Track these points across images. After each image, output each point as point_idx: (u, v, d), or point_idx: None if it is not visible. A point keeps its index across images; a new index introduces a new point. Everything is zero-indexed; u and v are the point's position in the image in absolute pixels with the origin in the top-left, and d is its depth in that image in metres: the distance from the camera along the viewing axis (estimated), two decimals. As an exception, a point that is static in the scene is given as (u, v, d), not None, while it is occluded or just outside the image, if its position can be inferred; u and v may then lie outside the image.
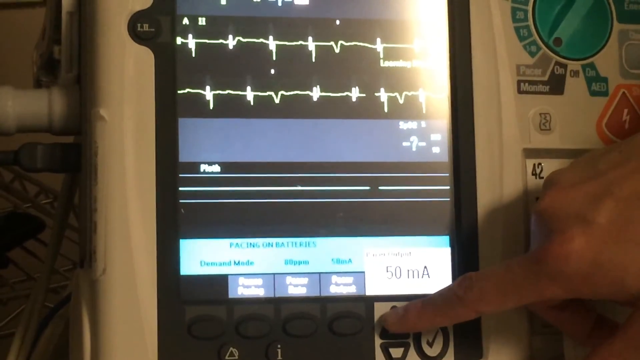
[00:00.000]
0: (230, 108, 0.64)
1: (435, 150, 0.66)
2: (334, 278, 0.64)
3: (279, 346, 0.62)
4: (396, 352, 0.64)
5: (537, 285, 0.58)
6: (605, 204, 0.57)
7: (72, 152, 0.65)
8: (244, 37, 0.64)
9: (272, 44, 0.65)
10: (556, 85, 0.68)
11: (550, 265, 0.57)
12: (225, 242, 0.63)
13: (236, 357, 0.62)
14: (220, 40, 0.64)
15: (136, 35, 0.63)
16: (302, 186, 0.64)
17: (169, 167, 0.62)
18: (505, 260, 0.61)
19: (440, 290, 0.63)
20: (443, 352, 0.64)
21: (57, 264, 0.84)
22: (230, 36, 0.64)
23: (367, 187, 0.65)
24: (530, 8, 0.68)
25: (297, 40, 0.65)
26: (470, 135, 0.66)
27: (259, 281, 0.63)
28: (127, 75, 0.62)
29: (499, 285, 0.60)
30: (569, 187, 0.59)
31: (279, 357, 0.62)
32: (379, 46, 0.66)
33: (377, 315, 0.64)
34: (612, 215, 0.57)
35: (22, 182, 1.11)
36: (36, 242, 1.08)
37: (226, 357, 0.61)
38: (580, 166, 0.60)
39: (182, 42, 0.64)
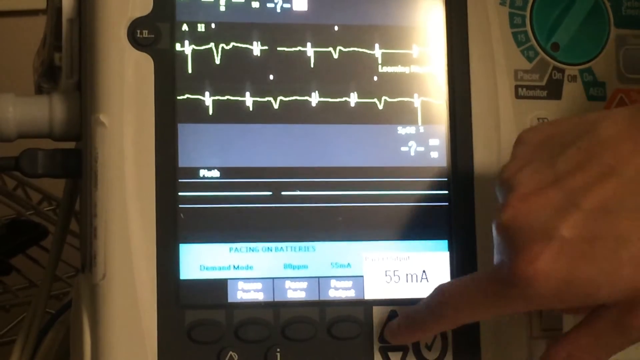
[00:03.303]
0: (229, 113, 0.64)
1: (434, 155, 0.66)
2: (333, 282, 0.64)
3: (278, 350, 0.62)
4: (395, 356, 0.64)
5: (509, 304, 0.57)
6: (571, 217, 0.54)
7: (72, 158, 0.65)
8: (242, 43, 0.65)
9: (270, 50, 0.65)
10: (554, 90, 0.68)
11: (519, 287, 0.55)
12: (225, 246, 0.63)
13: (236, 361, 0.62)
14: (220, 47, 0.65)
15: (136, 41, 0.63)
16: (301, 191, 0.64)
17: (169, 173, 0.63)
18: (476, 272, 0.60)
19: (419, 305, 0.62)
20: (441, 356, 0.64)
21: (59, 270, 0.84)
22: (230, 42, 0.65)
23: (366, 192, 0.65)
24: (527, 13, 0.69)
25: (296, 46, 0.65)
26: (468, 140, 0.66)
27: (258, 285, 0.63)
28: (127, 82, 0.63)
29: (472, 302, 0.58)
30: (530, 195, 0.55)
31: (278, 361, 0.62)
32: (377, 52, 0.66)
33: (376, 320, 0.64)
34: (579, 230, 0.54)
35: (25, 189, 1.11)
36: (39, 249, 1.08)
37: (226, 361, 0.62)
38: (539, 163, 0.56)
39: (181, 48, 0.64)
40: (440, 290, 0.60)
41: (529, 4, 0.69)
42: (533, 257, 0.54)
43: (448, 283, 0.61)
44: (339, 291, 0.64)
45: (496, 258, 0.57)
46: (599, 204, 0.54)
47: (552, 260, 0.54)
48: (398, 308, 0.64)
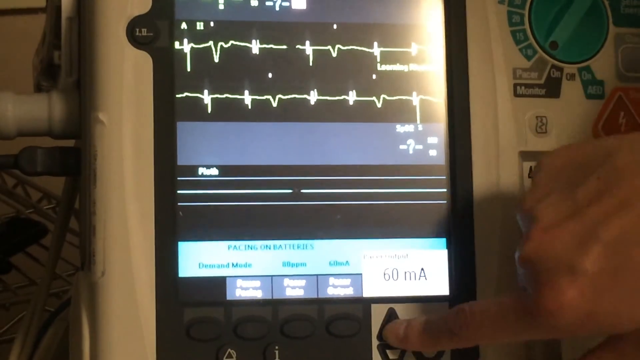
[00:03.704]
0: (228, 112, 0.64)
1: (432, 153, 0.66)
2: (332, 280, 0.64)
3: (276, 348, 0.62)
4: (393, 353, 0.64)
5: (531, 332, 0.57)
6: (593, 250, 0.54)
7: (71, 156, 0.65)
8: (241, 42, 0.65)
9: (269, 48, 0.65)
10: (552, 88, 0.69)
11: (543, 318, 0.55)
12: (224, 244, 0.63)
13: (234, 359, 0.62)
14: (218, 45, 0.65)
15: (135, 39, 0.63)
16: (299, 189, 0.64)
17: (168, 171, 0.63)
18: (499, 297, 0.60)
19: (437, 319, 0.62)
20: (440, 353, 0.64)
21: (59, 268, 0.84)
22: (228, 41, 0.65)
23: (364, 190, 0.65)
24: (526, 12, 0.69)
25: (295, 45, 0.65)
26: (466, 138, 0.66)
27: (256, 283, 0.63)
28: (126, 80, 0.63)
29: (493, 327, 0.59)
30: (551, 227, 0.56)
31: (277, 359, 0.62)
32: (376, 50, 0.66)
33: (374, 317, 0.64)
34: (601, 262, 0.54)
35: (24, 187, 1.11)
36: (38, 247, 1.08)
37: (224, 359, 0.62)
38: (559, 194, 0.57)
39: (180, 46, 0.64)
40: (462, 310, 0.60)
41: (528, 3, 0.69)
42: (557, 292, 0.55)
43: (469, 304, 0.60)
44: (338, 289, 0.64)
45: (520, 285, 0.58)
46: (618, 235, 0.54)
47: (576, 294, 0.54)
48: (396, 306, 0.64)
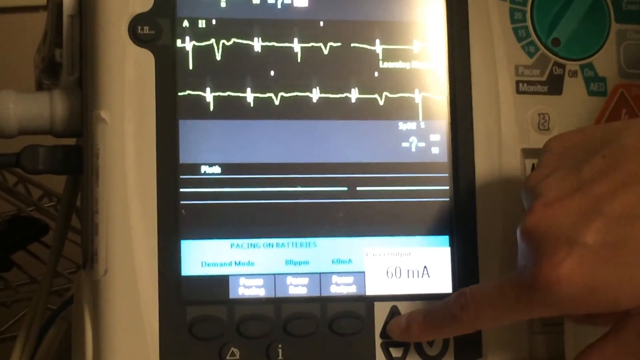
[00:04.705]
0: (230, 110, 0.64)
1: (435, 150, 0.66)
2: (334, 278, 0.64)
3: (279, 346, 0.62)
4: (396, 351, 0.64)
5: (531, 308, 0.57)
6: (595, 223, 0.55)
7: (73, 154, 0.65)
8: (243, 39, 0.65)
9: (271, 46, 0.65)
10: (555, 85, 0.69)
11: (541, 291, 0.55)
12: (226, 242, 0.63)
13: (237, 357, 0.62)
14: (220, 42, 0.65)
15: (137, 37, 0.63)
16: (302, 187, 0.64)
17: (170, 169, 0.63)
18: (498, 277, 0.60)
19: (438, 305, 0.62)
20: (443, 351, 0.64)
21: (60, 266, 0.84)
22: (230, 38, 0.65)
23: (367, 188, 0.65)
24: (528, 9, 0.69)
25: (296, 42, 0.65)
26: (469, 135, 0.66)
27: (259, 281, 0.63)
28: (128, 78, 0.63)
29: (493, 307, 0.59)
30: (554, 201, 0.56)
31: (280, 357, 0.62)
32: (378, 47, 0.66)
33: (377, 315, 0.64)
34: (603, 236, 0.54)
35: (25, 185, 1.11)
36: (40, 245, 1.08)
37: (227, 357, 0.62)
38: (564, 171, 0.57)
39: (182, 44, 0.64)
40: (462, 293, 0.60)
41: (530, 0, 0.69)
42: (556, 263, 0.55)
43: (470, 287, 0.61)
44: (340, 287, 0.64)
45: (519, 263, 0.58)
46: (621, 210, 0.55)
47: (575, 266, 0.54)
48: (399, 304, 0.64)
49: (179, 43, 0.64)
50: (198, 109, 0.64)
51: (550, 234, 0.56)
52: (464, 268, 0.65)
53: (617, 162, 0.56)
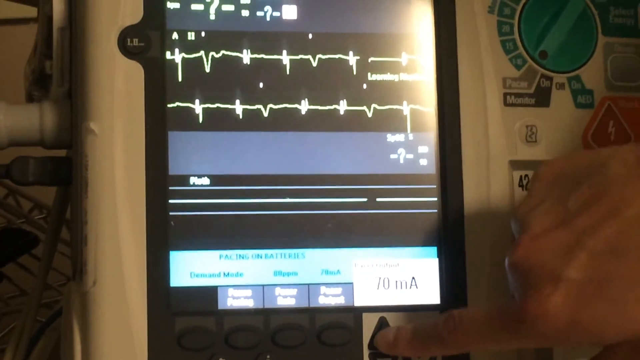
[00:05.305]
0: (219, 121, 0.64)
1: (423, 162, 0.67)
2: (323, 289, 0.64)
3: (268, 357, 0.62)
4: (384, 362, 0.64)
5: (517, 339, 0.57)
6: (578, 259, 0.55)
7: (63, 166, 0.66)
8: (232, 52, 0.65)
9: (260, 58, 0.65)
10: (542, 97, 0.69)
11: (528, 325, 0.56)
12: (215, 253, 0.64)
13: (226, 368, 0.62)
14: (210, 55, 0.65)
15: (126, 50, 0.63)
16: (290, 198, 0.65)
17: (159, 180, 0.63)
18: (488, 303, 0.61)
19: (427, 324, 0.62)
20: (431, 361, 0.65)
21: (50, 278, 0.84)
22: (220, 50, 0.65)
23: (355, 199, 0.65)
24: (516, 22, 0.69)
25: (285, 55, 0.66)
26: (457, 147, 0.67)
27: (248, 292, 0.63)
28: (117, 90, 0.63)
29: (480, 333, 0.59)
30: (540, 235, 0.56)
31: (269, 368, 0.62)
32: (367, 60, 0.67)
33: (365, 326, 0.64)
34: (587, 272, 0.54)
35: (16, 197, 1.11)
36: (30, 257, 1.08)
37: (216, 368, 0.62)
38: (551, 202, 0.58)
39: (171, 56, 0.64)
40: (451, 316, 0.60)
41: (517, 12, 0.69)
42: (542, 298, 0.55)
43: (459, 310, 0.61)
44: (329, 298, 0.64)
45: (510, 291, 0.58)
46: (604, 244, 0.54)
47: (561, 301, 0.55)
48: (387, 315, 0.64)
49: (168, 55, 0.64)
50: (187, 121, 0.64)
51: (536, 269, 0.56)
52: (452, 279, 0.65)
53: (601, 194, 0.56)
